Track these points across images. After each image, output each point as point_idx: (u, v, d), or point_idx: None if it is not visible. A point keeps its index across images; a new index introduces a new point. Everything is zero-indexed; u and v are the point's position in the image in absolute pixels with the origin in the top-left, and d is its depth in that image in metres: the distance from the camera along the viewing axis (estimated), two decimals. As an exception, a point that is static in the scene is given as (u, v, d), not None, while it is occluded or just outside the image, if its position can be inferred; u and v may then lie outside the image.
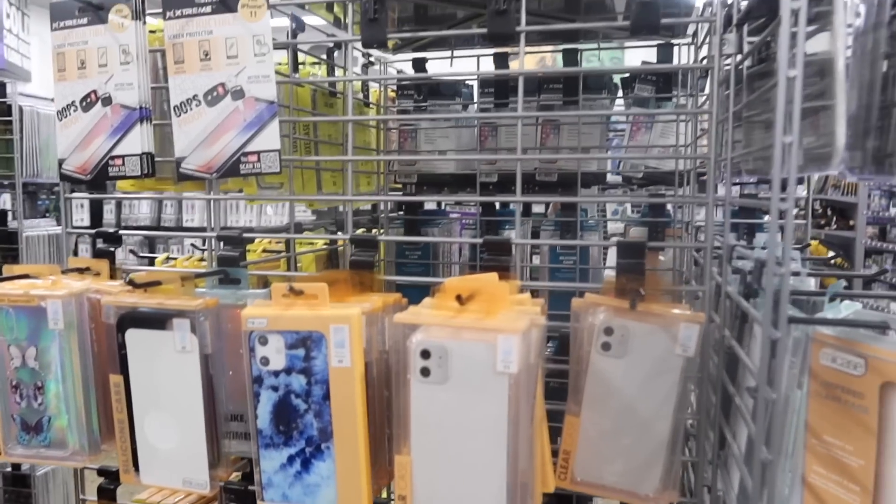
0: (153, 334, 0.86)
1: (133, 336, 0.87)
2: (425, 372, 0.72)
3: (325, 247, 1.48)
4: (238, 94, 0.95)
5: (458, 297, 0.72)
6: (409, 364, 0.72)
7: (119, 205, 4.43)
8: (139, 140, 0.99)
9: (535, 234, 1.66)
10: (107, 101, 0.99)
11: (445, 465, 0.73)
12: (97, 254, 1.06)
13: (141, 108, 0.99)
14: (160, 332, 0.86)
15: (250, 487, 0.97)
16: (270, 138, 0.95)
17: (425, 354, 0.72)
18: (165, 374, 0.86)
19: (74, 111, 1.01)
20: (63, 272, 1.00)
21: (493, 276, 0.82)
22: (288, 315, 0.78)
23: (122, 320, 0.87)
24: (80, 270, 1.02)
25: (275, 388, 0.79)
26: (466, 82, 1.82)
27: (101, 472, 1.09)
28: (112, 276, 1.04)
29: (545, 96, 1.64)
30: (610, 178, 1.69)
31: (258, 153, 0.95)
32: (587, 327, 0.83)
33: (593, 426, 0.83)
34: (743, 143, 0.86)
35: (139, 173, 0.99)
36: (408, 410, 0.73)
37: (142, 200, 5.10)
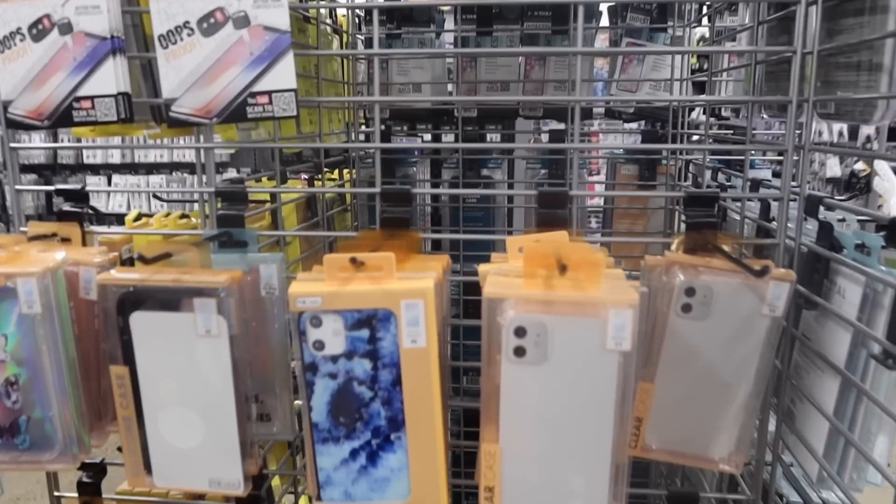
0: (166, 317, 0.72)
1: (140, 319, 0.72)
2: (520, 352, 0.63)
3: (302, 191, 1.33)
4: (242, 21, 0.78)
5: (563, 267, 0.62)
6: (501, 343, 0.63)
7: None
8: (112, 77, 0.80)
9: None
10: (66, 28, 0.80)
11: (540, 453, 0.66)
12: (60, 216, 0.88)
13: (113, 37, 0.80)
14: (175, 313, 0.71)
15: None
16: (284, 76, 0.79)
17: (520, 332, 0.63)
18: (185, 362, 0.72)
19: (21, 41, 0.81)
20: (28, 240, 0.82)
21: (563, 234, 0.74)
22: (347, 292, 0.66)
23: (124, 302, 0.72)
24: (45, 237, 0.85)
25: (332, 376, 0.68)
26: (440, 7, 1.67)
27: (83, 465, 0.95)
28: (83, 243, 0.87)
29: (529, 24, 1.52)
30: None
31: (269, 93, 0.80)
32: (664, 287, 0.76)
33: (669, 392, 0.78)
34: (821, 84, 0.80)
35: (115, 118, 0.81)
36: (497, 394, 0.65)
37: (31, 134, 4.56)
